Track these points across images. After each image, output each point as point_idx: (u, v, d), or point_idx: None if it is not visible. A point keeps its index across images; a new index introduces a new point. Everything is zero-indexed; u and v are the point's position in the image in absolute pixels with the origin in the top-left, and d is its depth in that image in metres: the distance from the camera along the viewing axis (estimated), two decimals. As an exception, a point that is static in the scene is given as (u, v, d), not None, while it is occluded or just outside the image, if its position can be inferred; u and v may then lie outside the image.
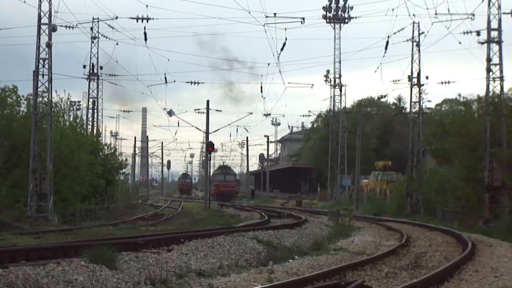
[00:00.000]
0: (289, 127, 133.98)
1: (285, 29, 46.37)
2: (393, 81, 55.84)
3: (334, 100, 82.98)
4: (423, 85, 53.25)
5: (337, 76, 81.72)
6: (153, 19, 48.60)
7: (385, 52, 51.65)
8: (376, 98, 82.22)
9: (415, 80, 52.71)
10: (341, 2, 79.56)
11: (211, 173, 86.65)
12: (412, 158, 53.29)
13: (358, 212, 54.48)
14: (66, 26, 50.44)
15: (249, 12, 43.60)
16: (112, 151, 59.18)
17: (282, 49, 47.49)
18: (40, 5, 37.05)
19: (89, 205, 44.07)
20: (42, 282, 14.42)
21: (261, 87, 59.23)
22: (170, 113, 63.37)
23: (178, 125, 77.35)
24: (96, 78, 61.18)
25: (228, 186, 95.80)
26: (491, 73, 39.52)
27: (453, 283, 16.98)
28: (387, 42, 51.06)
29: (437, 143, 53.54)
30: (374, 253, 23.95)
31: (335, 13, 79.68)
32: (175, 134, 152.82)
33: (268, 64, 56.10)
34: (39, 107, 37.86)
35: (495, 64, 39.59)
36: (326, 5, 79.64)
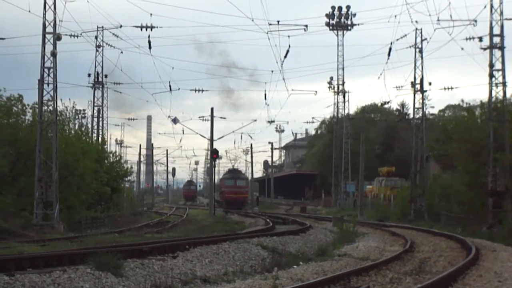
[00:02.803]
0: (293, 133, 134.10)
1: (289, 36, 46.40)
2: (396, 87, 56.01)
3: (337, 106, 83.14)
4: (426, 91, 53.41)
5: (340, 82, 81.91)
6: (157, 27, 48.77)
7: (388, 58, 51.86)
8: (379, 104, 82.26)
9: (418, 86, 52.79)
10: (344, 9, 79.83)
11: (216, 179, 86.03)
12: (416, 163, 53.34)
13: (362, 218, 54.52)
14: (70, 35, 50.67)
15: (253, 20, 43.76)
16: (117, 159, 59.35)
17: (285, 56, 47.56)
18: (44, 14, 37.26)
19: (95, 212, 44.21)
20: (48, 289, 14.56)
21: (265, 94, 59.48)
22: (175, 120, 63.56)
23: (183, 133, 77.66)
24: (101, 86, 61.44)
25: (239, 192, 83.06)
26: (493, 79, 39.66)
27: (457, 288, 17.07)
28: (390, 49, 51.28)
29: (441, 149, 53.60)
30: (378, 258, 24.02)
31: (338, 20, 79.85)
32: (180, 141, 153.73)
33: (272, 71, 56.16)
34: (45, 115, 38.02)
35: (498, 70, 39.72)
36: (329, 12, 79.85)
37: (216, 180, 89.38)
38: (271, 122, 75.95)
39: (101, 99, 61.75)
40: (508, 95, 40.99)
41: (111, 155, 58.01)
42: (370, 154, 76.64)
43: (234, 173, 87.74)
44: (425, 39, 51.85)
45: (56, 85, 37.76)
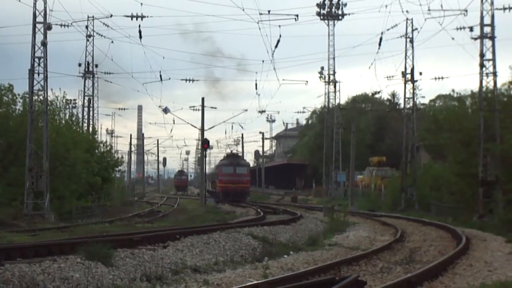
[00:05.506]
0: (284, 123, 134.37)
1: (279, 26, 46.55)
2: (387, 77, 56.13)
3: (328, 96, 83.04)
4: (416, 81, 53.46)
5: (331, 72, 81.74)
6: (147, 17, 48.71)
7: (379, 48, 51.96)
8: (370, 94, 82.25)
9: (408, 76, 52.87)
10: (335, -1, 79.61)
11: (207, 169, 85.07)
12: (407, 153, 53.42)
13: (353, 207, 54.59)
14: (61, 25, 50.45)
15: (243, 10, 43.60)
16: (108, 148, 59.29)
17: (276, 46, 47.67)
18: (35, 4, 37.09)
19: (86, 202, 44.14)
20: (38, 279, 14.50)
21: (256, 84, 59.21)
22: (166, 110, 63.40)
23: (174, 123, 77.51)
24: (91, 76, 61.27)
25: (239, 181, 70.48)
26: (484, 69, 39.68)
27: (447, 277, 17.09)
28: (381, 39, 51.37)
29: (431, 139, 53.69)
30: (368, 248, 24.08)
31: (329, 10, 79.66)
32: (171, 131, 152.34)
33: (263, 61, 56.14)
34: (35, 105, 37.90)
35: (488, 60, 39.75)
36: (320, 2, 79.61)
37: (207, 170, 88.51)
38: (262, 112, 75.78)
39: (92, 89, 61.63)
40: (498, 85, 41.00)
41: (101, 145, 57.96)
42: (361, 144, 76.69)
43: (233, 159, 74.20)
44: (416, 29, 51.98)
45: (47, 74, 37.66)
